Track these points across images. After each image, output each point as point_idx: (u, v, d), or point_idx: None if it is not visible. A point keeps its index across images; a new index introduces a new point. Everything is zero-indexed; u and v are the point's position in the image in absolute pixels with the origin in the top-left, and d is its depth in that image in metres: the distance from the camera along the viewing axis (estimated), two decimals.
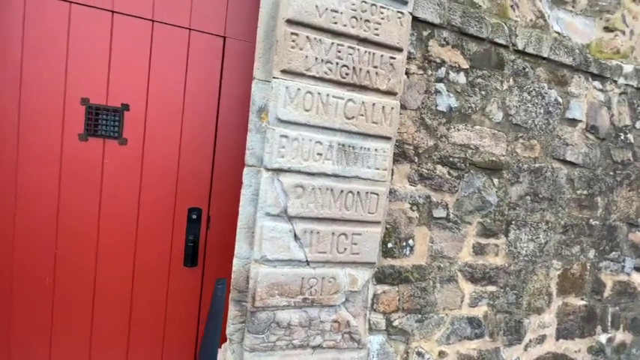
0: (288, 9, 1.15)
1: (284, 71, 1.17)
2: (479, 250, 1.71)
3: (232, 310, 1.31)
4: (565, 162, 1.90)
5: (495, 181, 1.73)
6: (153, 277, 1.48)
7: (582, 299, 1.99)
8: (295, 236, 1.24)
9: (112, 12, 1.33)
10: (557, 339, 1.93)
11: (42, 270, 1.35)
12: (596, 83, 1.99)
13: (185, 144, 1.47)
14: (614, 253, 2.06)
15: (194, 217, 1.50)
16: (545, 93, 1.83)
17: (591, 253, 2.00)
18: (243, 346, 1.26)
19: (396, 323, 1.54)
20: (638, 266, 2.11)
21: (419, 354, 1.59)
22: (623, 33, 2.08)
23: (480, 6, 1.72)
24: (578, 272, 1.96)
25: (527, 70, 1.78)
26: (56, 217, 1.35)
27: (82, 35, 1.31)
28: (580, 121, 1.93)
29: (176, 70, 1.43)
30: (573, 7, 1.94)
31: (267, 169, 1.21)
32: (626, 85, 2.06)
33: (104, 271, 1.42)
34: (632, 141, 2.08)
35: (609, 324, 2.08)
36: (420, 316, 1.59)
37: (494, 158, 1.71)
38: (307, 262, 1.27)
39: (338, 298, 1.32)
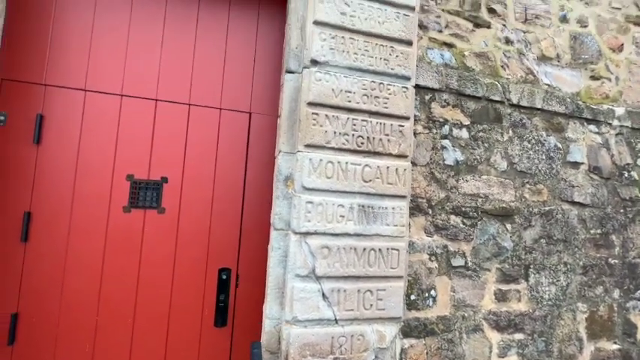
0: (309, 94, 1.34)
1: (307, 145, 1.33)
2: (501, 297, 1.73)
3: None
4: (574, 203, 1.97)
5: (508, 226, 1.80)
6: (185, 339, 1.53)
7: (615, 343, 1.93)
8: (323, 295, 1.31)
9: (156, 100, 1.55)
10: None
11: (83, 337, 1.42)
12: (592, 127, 2.12)
13: (216, 209, 1.60)
14: (639, 292, 2.03)
15: (224, 277, 1.59)
16: (545, 140, 1.96)
17: (616, 293, 1.98)
18: None
19: None
20: None
21: None
22: (609, 80, 2.26)
23: (473, 69, 1.93)
24: (605, 314, 1.93)
25: (524, 121, 1.94)
26: (99, 285, 1.45)
27: (130, 121, 1.52)
28: (582, 163, 2.03)
29: (208, 144, 1.62)
30: (558, 61, 2.15)
31: (295, 233, 1.32)
32: (621, 126, 2.19)
33: (140, 336, 1.48)
34: (637, 178, 2.16)
35: None
36: None
37: (504, 205, 1.80)
38: (336, 321, 1.33)
39: (367, 356, 1.35)
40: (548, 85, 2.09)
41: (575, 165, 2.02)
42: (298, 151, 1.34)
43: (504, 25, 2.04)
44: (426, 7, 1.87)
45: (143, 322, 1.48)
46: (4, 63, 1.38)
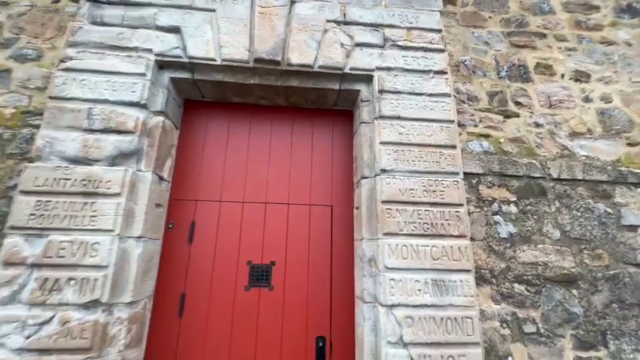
0: (382, 194, 1.81)
1: (385, 233, 1.75)
2: None
3: None
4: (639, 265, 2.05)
5: (574, 292, 1.94)
6: None
7: None
8: None
9: (266, 203, 2.14)
10: None
11: None
12: None
13: (311, 284, 2.02)
14: None
15: (320, 344, 1.92)
16: (594, 207, 2.16)
17: None
18: None
19: None
20: None
21: None
22: None
23: (510, 152, 2.30)
24: None
25: (568, 192, 2.19)
26: (229, 350, 1.86)
27: (248, 219, 2.09)
28: (638, 225, 2.15)
29: (303, 233, 2.11)
30: (591, 135, 2.43)
31: (382, 305, 1.66)
32: None
33: None
34: None
35: None
36: None
37: (565, 271, 1.97)
38: None
39: None
40: (586, 156, 2.35)
41: (632, 228, 2.14)
42: (378, 238, 1.76)
43: (532, 112, 2.44)
44: (460, 110, 2.37)
45: None
46: (174, 189, 2.09)
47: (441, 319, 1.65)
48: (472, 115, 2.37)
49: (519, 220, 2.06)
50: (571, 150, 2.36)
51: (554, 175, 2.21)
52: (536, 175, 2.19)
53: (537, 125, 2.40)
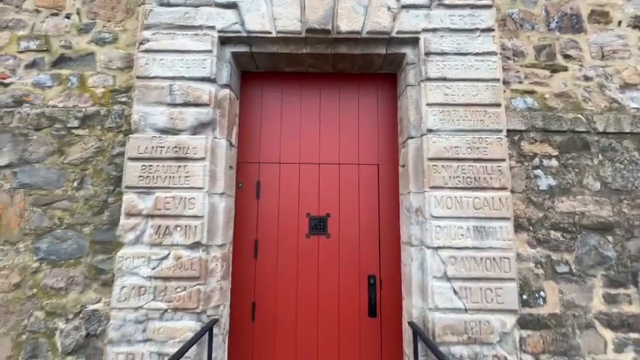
0: (429, 152, 1.99)
1: (431, 187, 1.97)
2: (610, 300, 2.00)
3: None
4: None
5: (609, 238, 2.09)
6: (350, 324, 2.23)
7: None
8: (455, 291, 1.87)
9: (319, 164, 2.40)
10: None
11: (289, 317, 2.24)
12: None
13: (362, 232, 2.33)
14: None
15: (372, 282, 2.27)
16: (637, 160, 2.20)
17: None
18: None
19: None
20: None
21: None
22: None
23: (554, 107, 2.33)
24: None
25: (613, 145, 2.23)
26: (296, 285, 2.27)
27: (305, 179, 2.38)
28: None
29: (353, 189, 2.38)
30: None
31: (428, 247, 1.93)
32: None
33: (322, 319, 2.23)
34: None
35: None
36: (567, 358, 1.92)
37: (602, 220, 2.10)
38: (465, 310, 1.86)
39: (493, 337, 1.83)
40: (637, 108, 2.33)
41: None
42: (425, 192, 1.98)
43: (581, 65, 2.40)
44: (505, 67, 2.39)
45: (325, 310, 2.24)
46: (240, 154, 2.40)
47: (481, 258, 1.90)
48: (517, 71, 2.38)
49: (560, 173, 2.17)
50: (621, 103, 2.34)
51: (600, 129, 2.24)
52: (581, 129, 2.24)
53: (586, 79, 2.38)
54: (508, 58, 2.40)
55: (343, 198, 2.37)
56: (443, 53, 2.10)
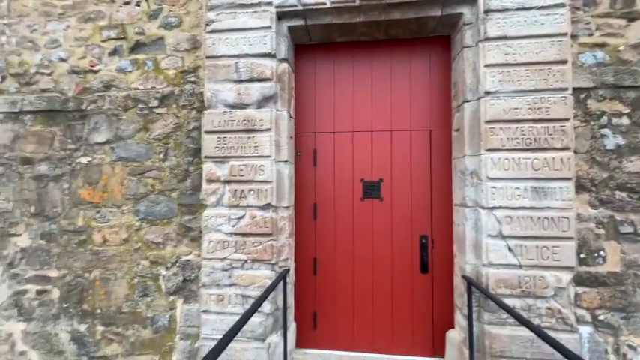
0: (486, 115, 2.00)
1: (488, 150, 2.00)
2: None
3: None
4: None
5: None
6: (403, 279, 2.44)
7: None
8: (509, 249, 1.96)
9: (372, 132, 2.51)
10: None
11: (347, 271, 2.49)
12: None
13: (414, 196, 2.45)
14: None
15: (423, 241, 2.42)
16: None
17: None
18: (481, 321, 2.00)
19: (601, 317, 1.97)
20: None
21: (630, 347, 1.94)
22: None
23: (629, 61, 2.16)
24: None
25: None
26: (352, 243, 2.50)
27: (358, 146, 2.52)
28: None
29: (405, 155, 2.47)
30: None
31: (484, 208, 2.01)
32: None
33: (377, 275, 2.46)
34: None
35: None
36: (625, 314, 1.96)
37: None
38: (520, 266, 1.95)
39: (547, 291, 1.92)
40: None
41: None
42: (481, 154, 2.02)
43: None
44: (573, 18, 2.23)
45: (379, 266, 2.46)
46: (297, 125, 2.57)
47: (538, 218, 1.94)
48: (587, 23, 2.21)
49: (630, 131, 2.07)
50: None
51: None
52: None
53: None
54: (577, 8, 2.23)
55: (395, 163, 2.48)
56: (504, 10, 2.02)
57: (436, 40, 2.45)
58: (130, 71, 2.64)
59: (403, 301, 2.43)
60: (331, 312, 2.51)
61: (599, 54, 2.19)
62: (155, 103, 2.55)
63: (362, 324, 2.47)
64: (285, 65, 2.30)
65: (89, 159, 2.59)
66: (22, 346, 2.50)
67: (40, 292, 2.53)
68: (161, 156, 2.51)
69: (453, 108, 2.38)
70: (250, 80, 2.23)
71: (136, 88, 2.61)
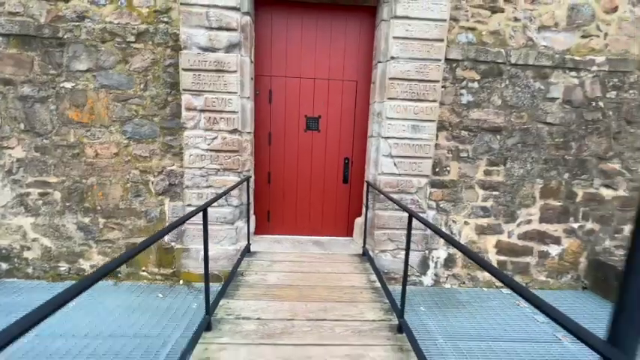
0: (390, 74, 2.95)
1: (389, 98, 2.99)
2: (487, 173, 3.33)
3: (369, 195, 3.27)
4: (546, 123, 3.30)
5: (497, 136, 3.29)
6: (331, 187, 3.54)
7: (558, 202, 3.42)
8: (394, 164, 3.11)
9: (314, 79, 3.32)
10: (540, 222, 3.43)
11: (293, 183, 3.51)
12: (573, 73, 3.27)
13: (343, 129, 3.43)
14: (584, 175, 3.39)
15: (346, 161, 3.49)
16: (532, 85, 3.24)
17: (566, 176, 3.38)
18: (374, 208, 3.23)
19: (442, 205, 3.33)
20: (605, 184, 3.39)
21: (453, 221, 3.36)
22: (598, 36, 3.26)
23: (487, 42, 3.22)
24: (555, 186, 3.39)
25: (518, 73, 3.23)
26: (297, 162, 3.47)
27: (304, 89, 3.33)
28: (557, 98, 3.28)
29: (337, 98, 3.37)
30: (556, 28, 3.24)
31: (382, 137, 3.08)
32: (599, 70, 3.27)
33: (314, 185, 3.52)
34: (602, 106, 3.32)
35: (580, 217, 3.45)
36: (453, 204, 3.34)
37: (495, 125, 3.26)
38: (399, 175, 3.14)
39: (413, 190, 3.16)
40: (545, 46, 3.24)
41: (552, 99, 3.28)
42: (384, 101, 3.01)
43: (515, 8, 3.18)
44: (458, 6, 3.14)
45: (315, 179, 3.51)
46: (256, 68, 3.25)
47: (413, 145, 3.08)
48: (467, 10, 3.15)
49: (477, 92, 3.22)
50: (535, 41, 3.23)
51: (513, 61, 3.19)
52: (499, 60, 3.19)
53: (516, 20, 3.20)
54: None
55: (331, 104, 3.38)
56: None
57: (367, 9, 3.20)
58: (104, 5, 2.95)
59: (330, 201, 3.58)
60: (280, 210, 3.57)
61: (470, 35, 3.19)
62: (132, 38, 2.98)
63: (301, 218, 3.60)
64: (247, 18, 2.89)
65: (72, 84, 3.01)
66: (33, 235, 3.16)
67: (42, 195, 3.12)
68: (142, 86, 3.04)
69: (373, 66, 3.27)
70: (219, 29, 2.81)
71: (111, 22, 2.97)
